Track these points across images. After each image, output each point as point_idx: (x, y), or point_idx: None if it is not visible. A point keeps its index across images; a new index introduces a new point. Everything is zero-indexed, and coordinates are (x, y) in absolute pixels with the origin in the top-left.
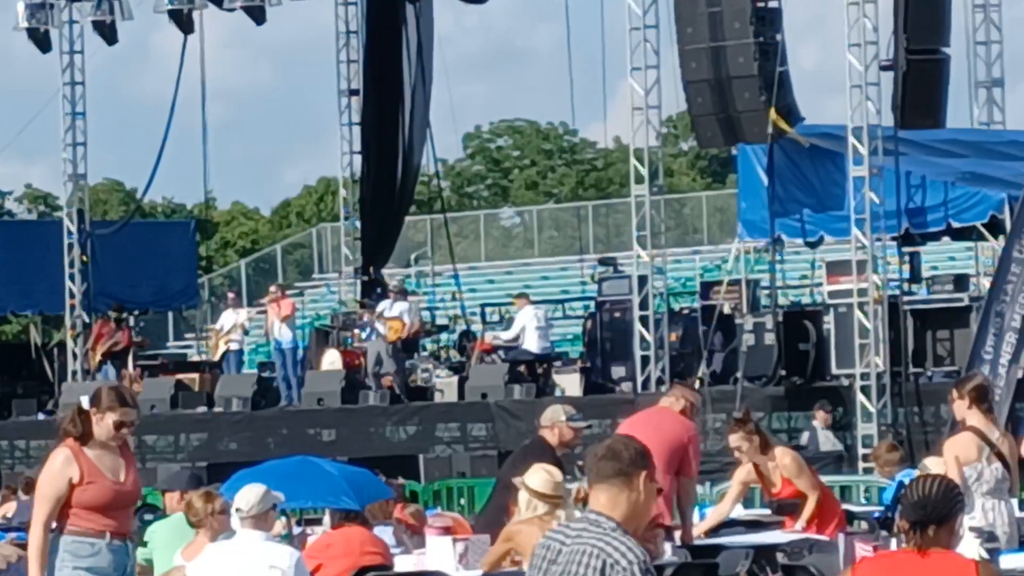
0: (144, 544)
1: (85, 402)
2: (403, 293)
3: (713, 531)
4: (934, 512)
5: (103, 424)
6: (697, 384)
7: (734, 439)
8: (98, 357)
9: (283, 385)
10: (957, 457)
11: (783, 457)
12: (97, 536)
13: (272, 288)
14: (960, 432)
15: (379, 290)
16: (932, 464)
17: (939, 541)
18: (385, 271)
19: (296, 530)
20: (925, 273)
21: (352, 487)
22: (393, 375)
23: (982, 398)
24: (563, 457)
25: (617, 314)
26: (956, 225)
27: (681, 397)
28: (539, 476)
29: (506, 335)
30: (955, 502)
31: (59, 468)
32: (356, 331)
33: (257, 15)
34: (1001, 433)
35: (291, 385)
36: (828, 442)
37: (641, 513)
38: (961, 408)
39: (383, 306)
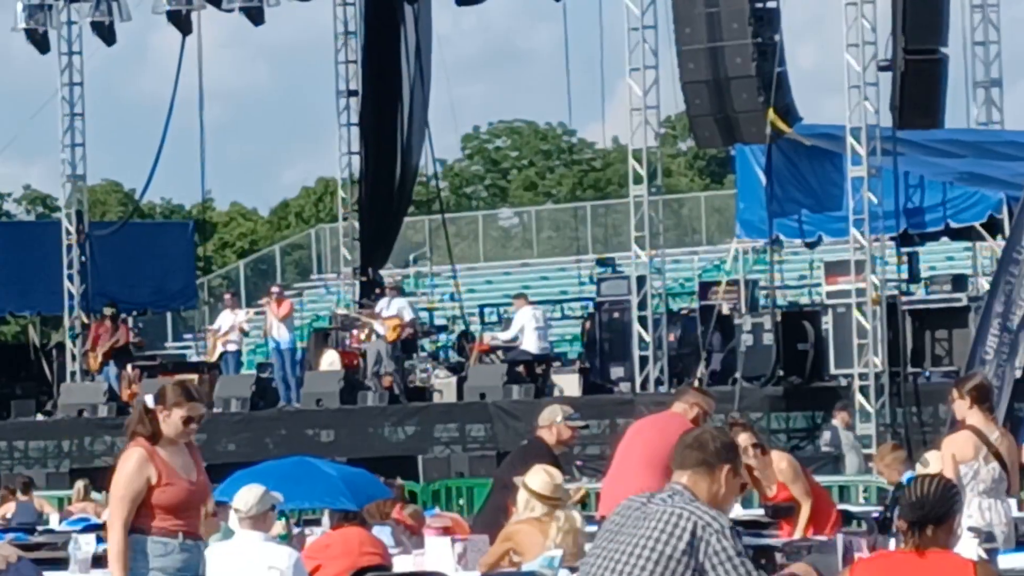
0: None
1: (150, 400)
2: (397, 290)
3: None
4: (932, 512)
5: (171, 421)
6: (696, 384)
7: (746, 438)
8: (99, 358)
9: (282, 386)
10: (954, 455)
11: (779, 461)
12: (170, 536)
13: (272, 289)
14: (959, 431)
15: (377, 290)
16: (932, 458)
17: (937, 541)
18: (383, 271)
19: (295, 531)
20: (923, 273)
21: (349, 488)
22: (393, 374)
23: (983, 398)
24: (561, 457)
25: (616, 314)
26: (954, 225)
27: (695, 404)
28: (540, 478)
29: (505, 335)
30: (953, 501)
31: (136, 469)
32: (354, 332)
33: (255, 16)
34: (1001, 433)
35: (290, 386)
36: (848, 442)
37: (721, 504)
38: (962, 408)
39: (381, 305)
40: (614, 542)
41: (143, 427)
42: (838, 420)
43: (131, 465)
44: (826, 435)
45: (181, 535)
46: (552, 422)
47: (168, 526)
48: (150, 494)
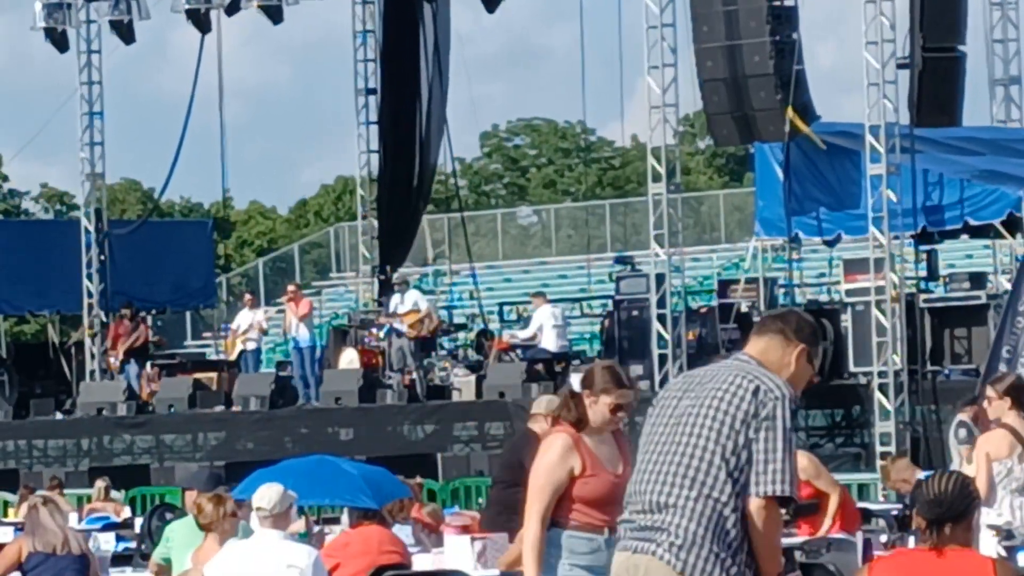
0: (163, 542)
1: (575, 384)
2: (405, 283)
3: None
4: (950, 510)
5: (597, 408)
6: None
7: None
8: (120, 356)
9: (300, 384)
10: (988, 454)
11: (800, 459)
12: (596, 532)
13: (290, 287)
14: (994, 429)
15: (395, 288)
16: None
17: (956, 538)
18: (402, 270)
19: (315, 529)
20: (942, 271)
21: (370, 486)
22: (416, 370)
23: (1022, 397)
24: None
25: (635, 312)
26: (973, 223)
27: None
28: None
29: (523, 334)
30: (971, 499)
31: (559, 457)
32: (373, 330)
33: (274, 14)
34: None
35: (309, 384)
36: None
37: (788, 380)
38: (1001, 408)
39: (394, 302)
40: (675, 408)
41: (568, 412)
42: (967, 415)
43: (554, 453)
44: (961, 432)
45: (607, 531)
46: (545, 412)
47: (592, 521)
48: (571, 485)
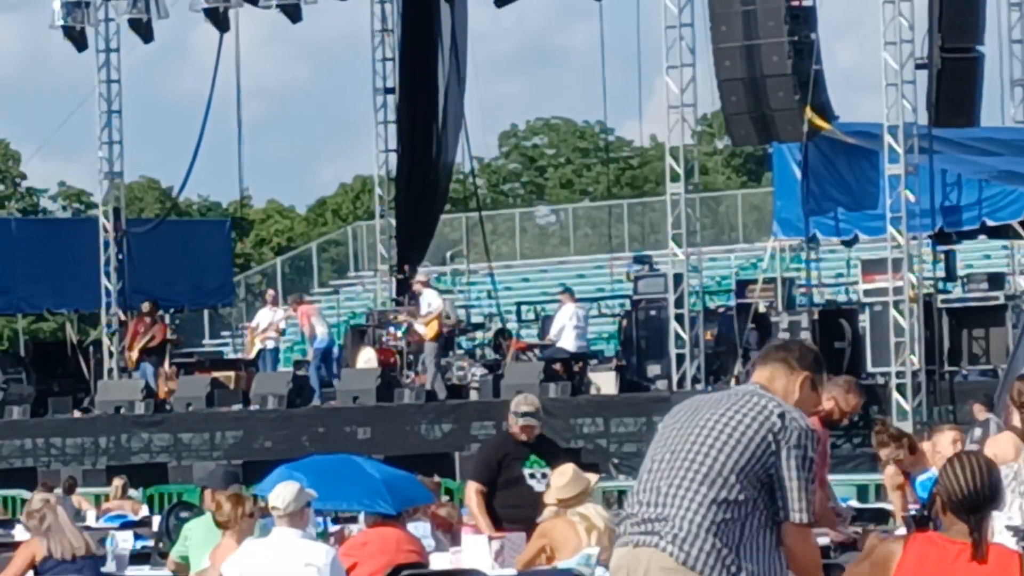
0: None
1: None
2: (423, 283)
3: None
4: (989, 502)
5: None
6: (733, 382)
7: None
8: (135, 354)
9: (317, 383)
10: (996, 456)
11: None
12: None
13: (292, 298)
14: (1002, 432)
15: (411, 290)
16: None
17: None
18: (421, 269)
19: (333, 528)
20: (960, 271)
21: (390, 491)
22: (429, 371)
23: None
24: (597, 455)
25: (652, 312)
26: (991, 223)
27: None
28: (551, 489)
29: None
30: (1000, 482)
31: None
32: (391, 329)
33: (293, 13)
34: None
35: (322, 379)
36: None
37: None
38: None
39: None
40: (690, 419)
41: None
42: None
43: None
44: (993, 426)
45: None
46: (511, 412)
47: None
48: None
